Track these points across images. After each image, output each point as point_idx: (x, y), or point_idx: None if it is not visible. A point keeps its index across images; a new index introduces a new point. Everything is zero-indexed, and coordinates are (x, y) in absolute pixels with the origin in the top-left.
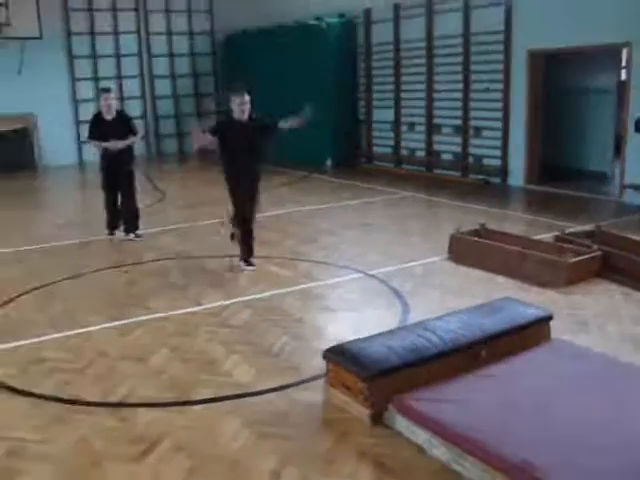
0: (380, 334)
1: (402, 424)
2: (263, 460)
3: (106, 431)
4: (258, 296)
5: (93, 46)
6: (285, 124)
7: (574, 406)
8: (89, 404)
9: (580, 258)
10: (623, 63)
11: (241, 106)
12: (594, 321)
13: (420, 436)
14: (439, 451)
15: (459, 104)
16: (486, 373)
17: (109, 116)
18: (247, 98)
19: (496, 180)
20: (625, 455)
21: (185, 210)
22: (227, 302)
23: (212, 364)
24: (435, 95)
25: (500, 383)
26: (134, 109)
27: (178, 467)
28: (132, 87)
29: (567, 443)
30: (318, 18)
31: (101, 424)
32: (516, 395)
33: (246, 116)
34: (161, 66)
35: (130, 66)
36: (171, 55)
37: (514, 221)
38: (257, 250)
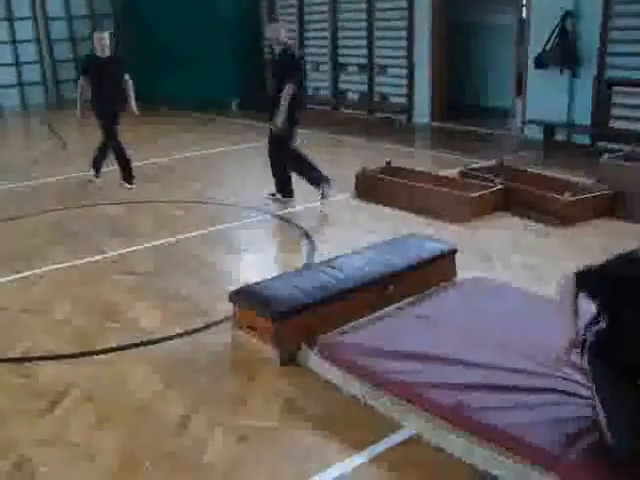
0: (286, 274)
1: (318, 364)
2: (173, 406)
3: (8, 387)
4: (163, 241)
5: None
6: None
7: (499, 342)
8: None
9: (483, 192)
10: (523, 1)
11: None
12: (498, 253)
13: (338, 376)
14: (355, 389)
15: (364, 42)
16: (411, 313)
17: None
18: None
19: (402, 118)
20: (549, 387)
21: (87, 158)
22: (131, 249)
23: (117, 312)
24: (340, 34)
25: (426, 324)
26: (28, 53)
27: (86, 418)
28: (25, 29)
29: (496, 381)
30: None
31: (2, 380)
32: (443, 335)
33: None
34: (56, 7)
35: (21, 7)
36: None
37: (420, 158)
38: (162, 194)
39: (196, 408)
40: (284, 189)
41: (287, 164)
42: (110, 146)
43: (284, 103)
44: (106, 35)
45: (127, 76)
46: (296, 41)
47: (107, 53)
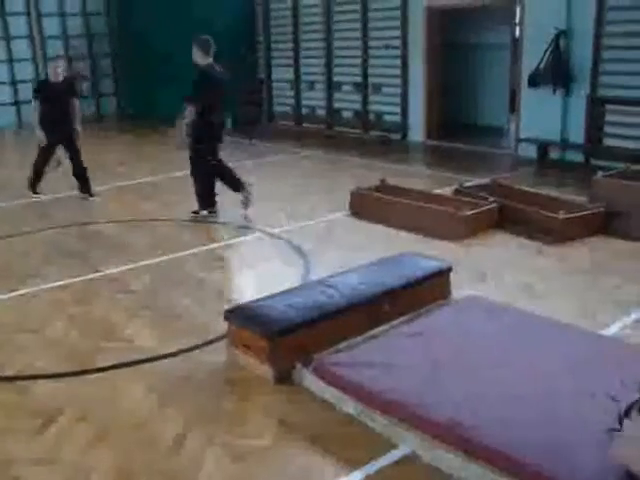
0: (281, 292)
1: (313, 383)
2: (168, 424)
3: (3, 406)
4: (159, 260)
5: None
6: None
7: (494, 361)
8: None
9: (477, 210)
10: (517, 20)
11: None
12: (492, 271)
13: (333, 394)
14: (350, 407)
15: (358, 61)
16: (406, 331)
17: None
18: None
19: (396, 136)
20: (545, 405)
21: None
22: (127, 267)
23: (113, 331)
24: (334, 53)
25: (421, 342)
26: (24, 72)
27: (80, 437)
28: (21, 48)
29: (492, 399)
30: None
31: None
32: (437, 354)
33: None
34: (53, 26)
35: (18, 26)
36: (62, 15)
37: (414, 176)
38: (157, 212)
39: (191, 427)
40: (207, 203)
41: (208, 177)
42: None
43: (179, 123)
44: (60, 63)
45: (75, 99)
46: (214, 64)
47: (60, 79)
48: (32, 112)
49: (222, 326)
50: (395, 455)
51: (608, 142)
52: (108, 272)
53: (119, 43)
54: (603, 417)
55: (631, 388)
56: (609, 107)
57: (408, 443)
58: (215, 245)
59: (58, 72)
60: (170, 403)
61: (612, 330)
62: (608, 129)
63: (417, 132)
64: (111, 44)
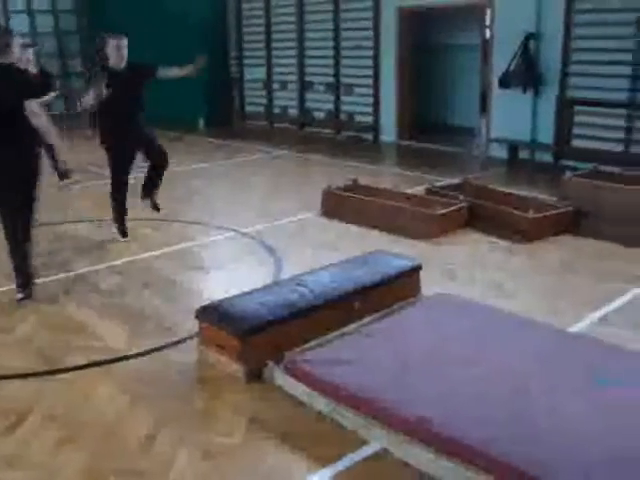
0: (252, 291)
1: (284, 381)
2: (138, 424)
3: None
4: (129, 259)
5: None
6: (171, 72)
7: (464, 358)
8: None
9: (448, 210)
10: (487, 22)
11: (119, 51)
12: (462, 269)
13: (304, 392)
14: (321, 405)
15: (330, 61)
16: (377, 329)
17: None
18: (125, 41)
19: (368, 136)
20: (514, 401)
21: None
22: (97, 267)
23: (83, 330)
24: (306, 53)
25: (391, 340)
26: None
27: (49, 438)
28: None
29: (462, 396)
30: None
31: None
32: (408, 351)
33: (124, 63)
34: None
35: None
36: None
37: (386, 176)
38: (128, 211)
39: (162, 426)
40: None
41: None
42: None
43: None
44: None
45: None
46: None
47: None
48: None
49: (193, 325)
50: (366, 452)
51: (577, 143)
52: (78, 272)
53: (90, 42)
54: (571, 413)
55: (596, 383)
56: (578, 108)
57: (379, 440)
58: (187, 244)
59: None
60: (140, 402)
61: (580, 327)
62: (577, 130)
63: (389, 132)
64: (82, 42)
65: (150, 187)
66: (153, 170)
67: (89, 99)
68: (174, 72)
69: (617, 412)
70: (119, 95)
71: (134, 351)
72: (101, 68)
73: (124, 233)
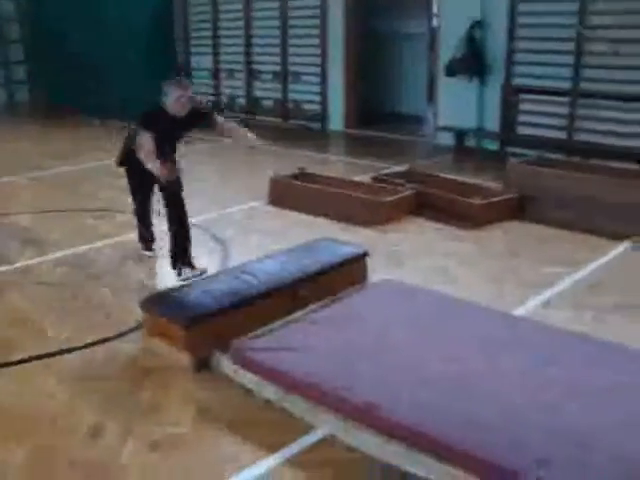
0: (198, 280)
1: (231, 369)
2: (84, 416)
3: None
4: (74, 251)
5: None
6: (229, 129)
7: (410, 343)
8: None
9: (395, 197)
10: (434, 10)
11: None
12: (409, 256)
13: (251, 380)
14: (268, 392)
15: (278, 50)
16: (323, 316)
17: None
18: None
19: (316, 125)
20: (460, 385)
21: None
22: (41, 259)
23: (26, 323)
24: (254, 41)
25: (338, 326)
26: None
27: None
28: None
29: (409, 381)
30: None
31: None
32: (355, 337)
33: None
34: None
35: None
36: None
37: (333, 164)
38: (73, 202)
39: (108, 417)
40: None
41: None
42: None
43: None
44: None
45: None
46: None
47: None
48: None
49: (139, 316)
50: (314, 438)
51: (522, 130)
52: (22, 264)
53: (30, 29)
54: (513, 394)
55: (539, 364)
56: (523, 96)
57: (327, 426)
58: (132, 235)
59: None
60: (86, 395)
61: (524, 311)
62: (522, 118)
63: (337, 121)
64: (22, 29)
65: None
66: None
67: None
68: (233, 132)
69: (558, 392)
70: (165, 135)
71: (79, 343)
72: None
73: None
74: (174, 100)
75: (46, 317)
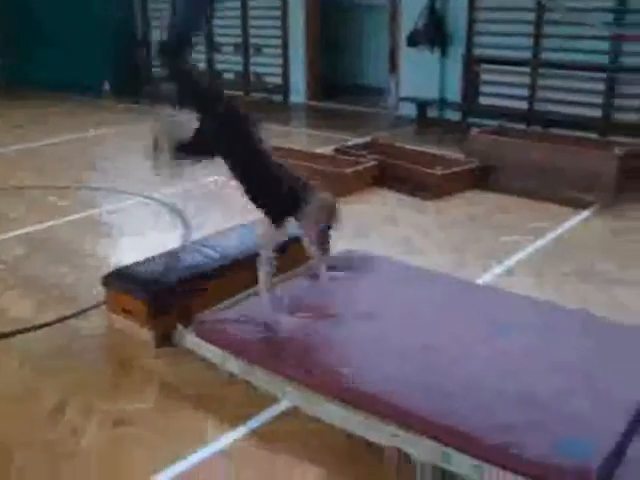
0: (159, 255)
1: (194, 343)
2: (46, 395)
3: None
4: (33, 228)
5: None
6: None
7: (372, 313)
8: None
9: (357, 168)
10: None
11: None
12: (372, 227)
13: (215, 354)
14: (231, 366)
15: (238, 22)
16: (285, 288)
17: None
18: None
19: (278, 97)
20: (421, 354)
21: None
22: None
23: None
24: (214, 14)
25: (300, 297)
26: None
27: None
28: None
29: (372, 351)
30: None
31: None
32: (317, 307)
33: None
34: None
35: None
36: None
37: (296, 137)
38: (32, 179)
39: (71, 395)
40: None
41: None
42: None
43: None
44: None
45: None
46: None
47: None
48: None
49: (100, 293)
50: (277, 409)
51: (483, 101)
52: None
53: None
54: (475, 362)
55: (501, 332)
56: (484, 67)
57: (290, 397)
58: (94, 211)
59: None
60: (47, 373)
61: (486, 279)
62: (483, 88)
63: (299, 93)
64: None
65: None
66: None
67: None
68: None
69: (520, 358)
70: None
71: (40, 322)
72: None
73: None
74: None
75: (6, 296)
